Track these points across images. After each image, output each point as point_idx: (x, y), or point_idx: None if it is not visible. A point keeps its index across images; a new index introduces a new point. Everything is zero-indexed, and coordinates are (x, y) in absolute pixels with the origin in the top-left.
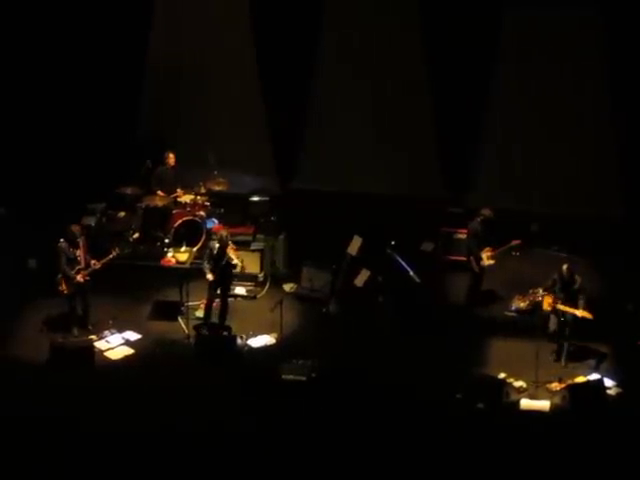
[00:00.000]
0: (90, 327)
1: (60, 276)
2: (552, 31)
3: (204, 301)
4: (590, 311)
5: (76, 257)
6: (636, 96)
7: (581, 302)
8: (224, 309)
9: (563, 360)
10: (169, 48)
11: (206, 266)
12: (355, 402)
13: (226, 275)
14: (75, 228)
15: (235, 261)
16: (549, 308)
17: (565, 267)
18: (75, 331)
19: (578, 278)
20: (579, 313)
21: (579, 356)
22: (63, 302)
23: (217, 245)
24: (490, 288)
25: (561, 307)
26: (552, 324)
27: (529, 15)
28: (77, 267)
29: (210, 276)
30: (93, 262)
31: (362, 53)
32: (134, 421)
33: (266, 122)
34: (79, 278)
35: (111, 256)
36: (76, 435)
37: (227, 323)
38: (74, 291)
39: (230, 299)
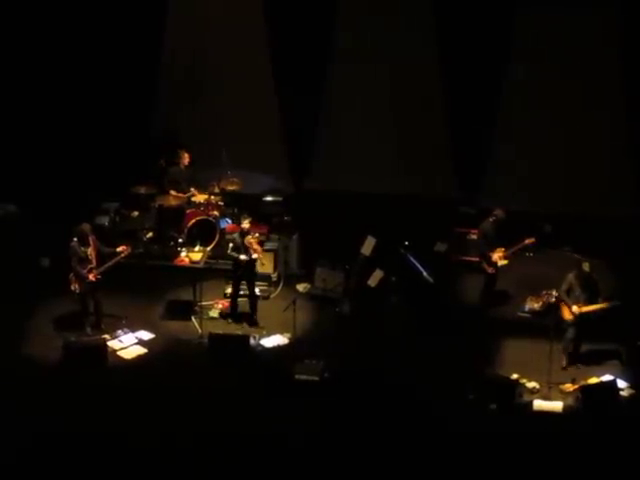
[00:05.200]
0: (103, 326)
1: (72, 275)
2: (566, 30)
3: (217, 301)
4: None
5: (87, 256)
6: None
7: (600, 298)
8: (254, 302)
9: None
10: (183, 47)
11: (234, 254)
12: (368, 402)
13: (251, 268)
14: (85, 227)
15: (254, 255)
16: (571, 317)
17: (587, 265)
18: (88, 330)
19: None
20: (606, 306)
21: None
22: (76, 301)
23: (238, 238)
24: (504, 289)
25: (586, 309)
26: (570, 333)
27: (542, 14)
28: (89, 266)
29: (243, 257)
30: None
31: (376, 53)
32: (146, 421)
33: (280, 122)
34: (91, 277)
35: (123, 254)
36: (88, 435)
37: (242, 322)
38: (86, 290)
39: (244, 298)
